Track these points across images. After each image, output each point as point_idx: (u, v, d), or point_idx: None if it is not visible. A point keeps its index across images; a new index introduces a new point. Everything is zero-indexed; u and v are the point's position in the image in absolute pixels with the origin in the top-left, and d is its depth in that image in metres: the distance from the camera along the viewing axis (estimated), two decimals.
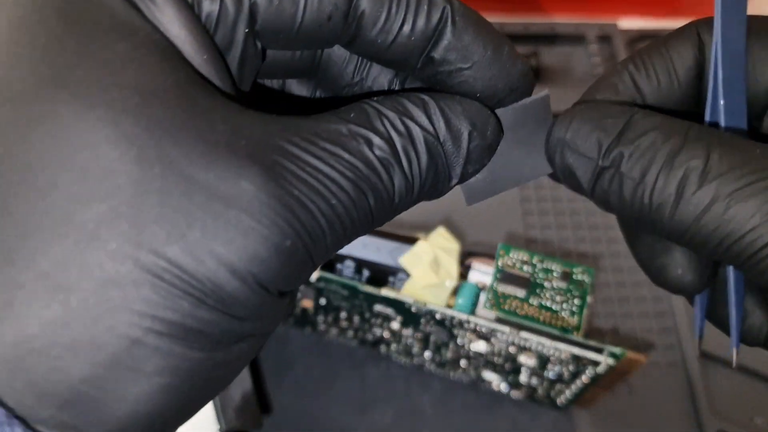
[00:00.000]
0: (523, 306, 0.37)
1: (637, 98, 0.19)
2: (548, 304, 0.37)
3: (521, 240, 0.52)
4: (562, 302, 0.37)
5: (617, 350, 0.35)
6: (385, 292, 0.37)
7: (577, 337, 0.36)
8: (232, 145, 0.14)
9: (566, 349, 0.36)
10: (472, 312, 0.37)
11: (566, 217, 0.53)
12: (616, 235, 0.51)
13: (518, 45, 0.58)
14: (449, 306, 0.37)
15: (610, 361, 0.36)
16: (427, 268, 0.37)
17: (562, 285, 0.37)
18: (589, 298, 0.37)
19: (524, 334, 0.36)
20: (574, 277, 0.37)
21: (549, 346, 0.36)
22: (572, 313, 0.36)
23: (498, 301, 0.37)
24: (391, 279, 0.39)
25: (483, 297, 0.37)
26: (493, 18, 0.60)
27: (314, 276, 0.38)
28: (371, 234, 0.39)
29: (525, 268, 0.38)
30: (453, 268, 0.38)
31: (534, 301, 0.37)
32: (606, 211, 0.18)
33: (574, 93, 0.21)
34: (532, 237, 0.52)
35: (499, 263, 0.38)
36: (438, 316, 0.37)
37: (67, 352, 0.13)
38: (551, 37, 0.59)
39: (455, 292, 0.38)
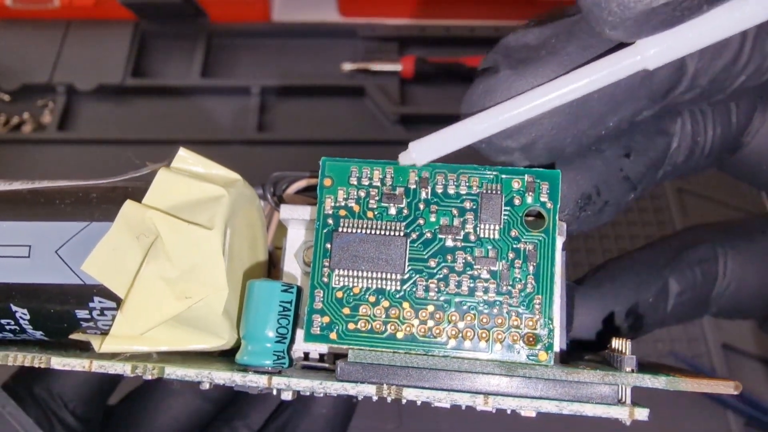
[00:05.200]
0: (404, 313, 0.28)
1: None
2: (466, 296, 0.28)
3: None
4: (502, 290, 0.28)
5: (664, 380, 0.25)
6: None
7: (570, 370, 0.26)
8: None
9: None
10: (281, 363, 0.27)
11: None
12: None
13: None
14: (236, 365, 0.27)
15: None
16: (159, 270, 0.26)
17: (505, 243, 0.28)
18: (557, 271, 0.27)
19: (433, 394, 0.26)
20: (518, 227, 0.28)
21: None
22: (529, 312, 0.27)
23: (338, 312, 0.28)
24: (85, 317, 0.28)
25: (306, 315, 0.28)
26: None
27: None
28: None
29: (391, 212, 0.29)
30: (215, 260, 0.27)
31: (426, 290, 0.28)
32: None
33: None
34: None
35: (327, 204, 0.29)
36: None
37: None
38: None
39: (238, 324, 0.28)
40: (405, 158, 0.28)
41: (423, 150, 0.28)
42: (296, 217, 0.33)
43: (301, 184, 0.35)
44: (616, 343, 0.29)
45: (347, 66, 0.62)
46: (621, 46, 0.25)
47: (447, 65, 0.61)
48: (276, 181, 0.36)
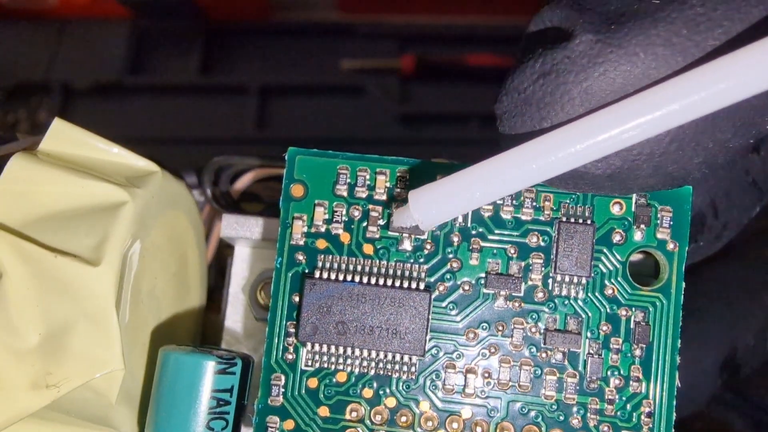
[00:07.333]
0: (422, 420, 0.17)
1: None
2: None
3: None
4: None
5: None
6: None
7: None
8: None
9: None
10: None
11: None
12: None
13: None
14: None
15: None
16: None
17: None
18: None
19: None
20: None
21: None
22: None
23: (309, 414, 0.17)
24: None
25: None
26: None
27: None
28: None
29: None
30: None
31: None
32: None
33: None
34: None
35: (295, 229, 0.17)
36: None
37: None
38: None
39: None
40: (401, 218, 0.17)
41: (430, 207, 0.15)
42: (247, 235, 0.20)
43: (258, 174, 0.23)
44: None
45: (347, 64, 0.59)
46: None
47: (448, 63, 0.59)
48: (218, 169, 0.23)
